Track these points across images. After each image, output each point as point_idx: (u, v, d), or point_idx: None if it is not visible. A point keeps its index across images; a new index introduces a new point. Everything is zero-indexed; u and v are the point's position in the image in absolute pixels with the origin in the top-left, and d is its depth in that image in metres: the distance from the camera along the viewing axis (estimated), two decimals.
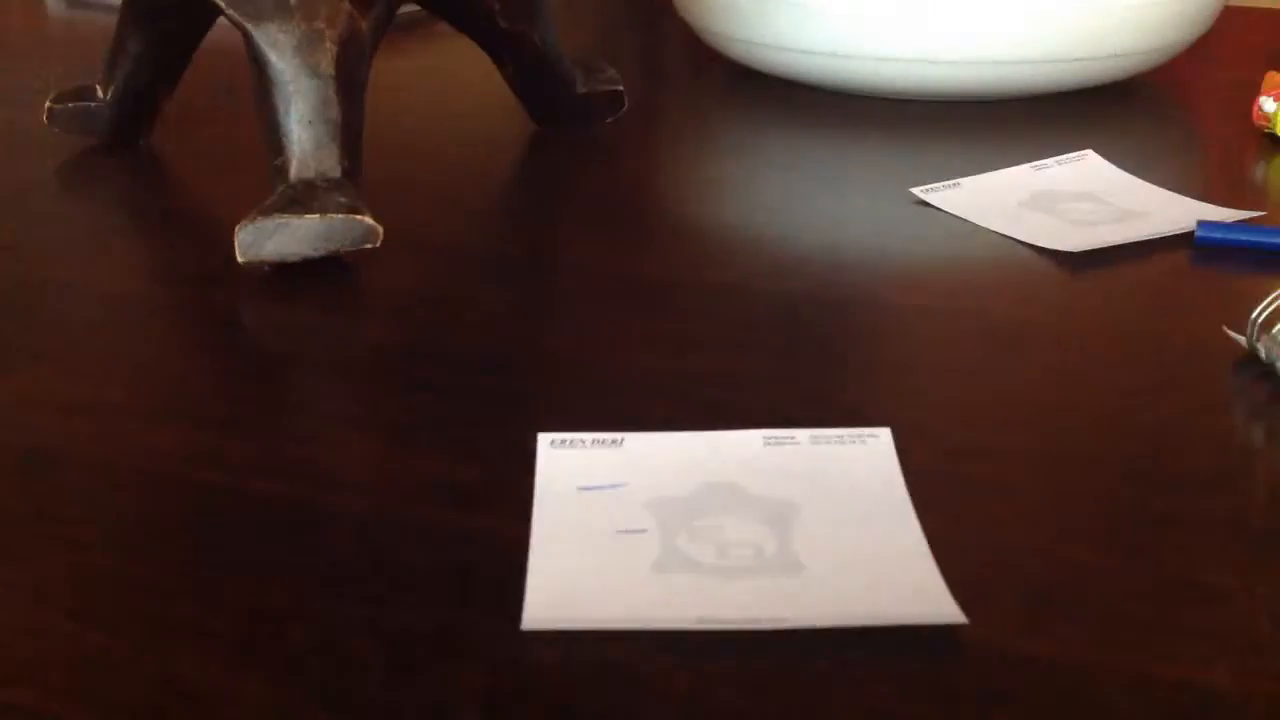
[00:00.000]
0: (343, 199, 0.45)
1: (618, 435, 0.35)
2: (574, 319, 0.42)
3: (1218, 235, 0.48)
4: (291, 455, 0.34)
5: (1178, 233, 0.49)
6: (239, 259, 0.44)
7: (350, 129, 0.46)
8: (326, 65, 0.46)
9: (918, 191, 0.53)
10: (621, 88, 0.60)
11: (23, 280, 0.45)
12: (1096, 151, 0.57)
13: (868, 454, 0.34)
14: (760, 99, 0.67)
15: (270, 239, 0.44)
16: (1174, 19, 0.64)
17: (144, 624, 0.28)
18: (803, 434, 0.34)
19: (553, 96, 0.60)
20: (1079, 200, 0.52)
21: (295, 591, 0.29)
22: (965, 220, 0.50)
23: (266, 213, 0.44)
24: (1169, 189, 0.54)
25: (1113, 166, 0.56)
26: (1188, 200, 0.52)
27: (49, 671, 0.26)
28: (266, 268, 0.46)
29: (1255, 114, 0.60)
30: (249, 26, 0.46)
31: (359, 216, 0.44)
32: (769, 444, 0.34)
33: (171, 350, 0.40)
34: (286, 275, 0.45)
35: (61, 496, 0.32)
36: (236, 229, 0.44)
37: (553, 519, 0.31)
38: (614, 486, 0.32)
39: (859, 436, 0.34)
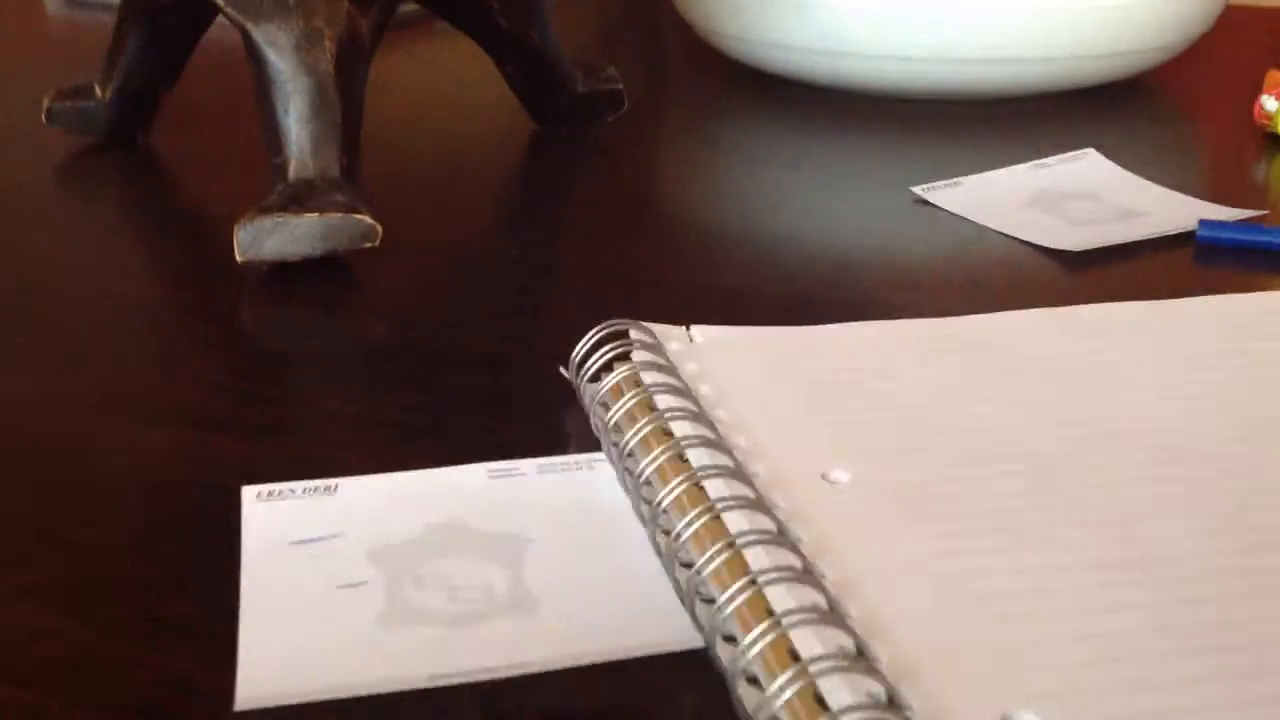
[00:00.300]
0: (341, 198, 0.45)
1: (330, 481, 0.32)
2: (573, 319, 0.42)
3: (1219, 234, 0.48)
4: (291, 454, 0.34)
5: (1179, 232, 0.49)
6: (238, 258, 0.44)
7: (349, 128, 0.46)
8: (325, 64, 0.45)
9: (918, 190, 0.53)
10: (621, 87, 0.60)
11: (21, 280, 0.45)
12: (1098, 150, 0.57)
13: (595, 480, 0.32)
14: (760, 98, 0.67)
15: (269, 238, 0.44)
16: (1176, 18, 0.64)
17: (144, 624, 0.28)
18: (528, 464, 0.33)
19: (553, 96, 0.60)
20: (1080, 199, 0.52)
21: None
22: (966, 219, 0.50)
23: (265, 211, 0.44)
24: (1170, 188, 0.53)
25: (1114, 165, 0.56)
26: (1189, 199, 0.52)
27: (49, 671, 0.26)
28: (265, 266, 0.46)
29: (1257, 113, 0.60)
30: (248, 25, 0.46)
31: (358, 215, 0.44)
32: (494, 477, 0.32)
33: (170, 349, 0.40)
34: (285, 274, 0.45)
35: (61, 496, 0.32)
36: (235, 228, 0.44)
37: (262, 582, 0.29)
38: (330, 538, 0.30)
39: (586, 463, 0.33)
